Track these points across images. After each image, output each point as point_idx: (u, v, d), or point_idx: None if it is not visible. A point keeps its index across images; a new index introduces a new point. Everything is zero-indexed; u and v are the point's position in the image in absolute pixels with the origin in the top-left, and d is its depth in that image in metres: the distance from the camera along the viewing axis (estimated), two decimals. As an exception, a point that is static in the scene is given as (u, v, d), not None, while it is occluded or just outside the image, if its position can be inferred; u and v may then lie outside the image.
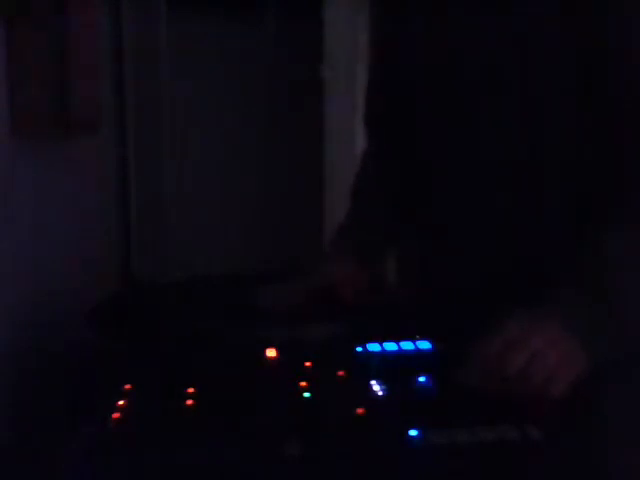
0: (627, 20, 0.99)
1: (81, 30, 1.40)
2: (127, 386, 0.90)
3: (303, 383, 0.91)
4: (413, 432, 0.79)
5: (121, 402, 0.86)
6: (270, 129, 2.83)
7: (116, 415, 0.84)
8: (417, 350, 1.01)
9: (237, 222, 2.82)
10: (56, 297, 1.40)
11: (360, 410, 0.84)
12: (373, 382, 0.92)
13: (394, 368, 0.96)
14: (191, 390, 0.89)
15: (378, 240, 1.28)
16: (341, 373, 0.94)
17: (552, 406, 0.87)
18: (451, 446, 0.78)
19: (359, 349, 1.00)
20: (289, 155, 2.82)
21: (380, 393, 0.90)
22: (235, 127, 2.78)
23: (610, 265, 0.96)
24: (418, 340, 1.03)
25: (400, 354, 1.00)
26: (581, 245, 1.00)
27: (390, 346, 1.01)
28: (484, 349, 0.91)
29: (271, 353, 0.98)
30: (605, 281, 0.95)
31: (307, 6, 2.62)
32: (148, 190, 2.28)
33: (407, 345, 1.01)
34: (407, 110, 1.18)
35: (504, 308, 0.94)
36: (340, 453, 0.77)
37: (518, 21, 1.02)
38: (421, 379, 0.93)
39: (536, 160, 1.05)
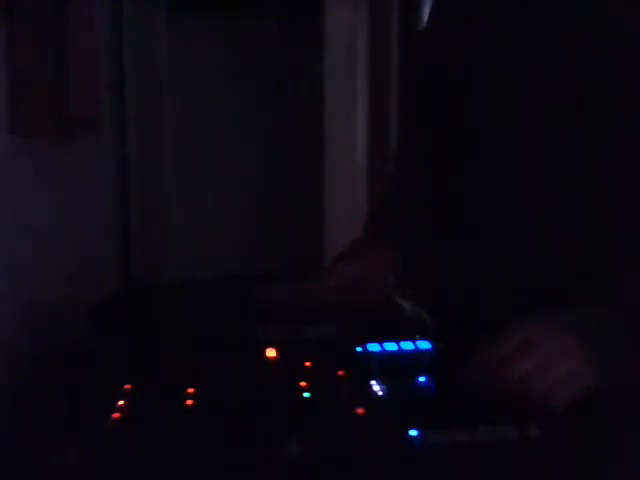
0: None
1: (81, 30, 1.40)
2: (127, 386, 0.90)
3: (303, 383, 0.91)
4: (413, 432, 0.79)
5: (121, 402, 0.86)
6: (270, 129, 2.83)
7: (116, 415, 0.84)
8: (417, 350, 1.01)
9: (237, 222, 2.82)
10: (56, 297, 1.40)
11: (360, 410, 0.84)
12: (373, 382, 0.92)
13: (394, 368, 0.96)
14: (191, 390, 0.89)
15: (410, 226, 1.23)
16: (341, 373, 0.94)
17: (551, 416, 0.86)
18: (451, 446, 0.78)
19: (359, 349, 1.00)
20: (289, 155, 2.81)
21: (380, 393, 0.90)
22: (235, 127, 2.78)
23: (626, 282, 0.95)
24: (418, 340, 1.03)
25: (400, 354, 1.00)
26: (596, 260, 0.99)
27: (390, 346, 1.01)
28: (487, 354, 0.90)
29: (271, 353, 0.98)
30: (620, 298, 0.94)
31: (307, 6, 2.62)
32: (148, 190, 2.28)
33: (407, 345, 1.01)
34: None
35: (509, 313, 0.93)
36: (340, 453, 0.77)
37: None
38: (421, 379, 0.93)
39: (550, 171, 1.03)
